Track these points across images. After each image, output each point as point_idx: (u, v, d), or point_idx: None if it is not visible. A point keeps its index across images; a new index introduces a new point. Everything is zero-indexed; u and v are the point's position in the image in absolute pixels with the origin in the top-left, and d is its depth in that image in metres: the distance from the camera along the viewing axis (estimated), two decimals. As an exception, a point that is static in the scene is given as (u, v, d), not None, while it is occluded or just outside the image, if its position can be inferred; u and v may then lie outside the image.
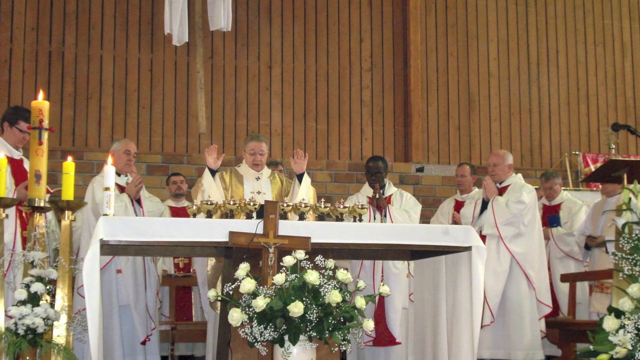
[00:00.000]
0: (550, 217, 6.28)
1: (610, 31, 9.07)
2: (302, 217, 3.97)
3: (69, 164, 3.72)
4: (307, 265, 3.37)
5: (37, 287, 3.53)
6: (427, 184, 8.21)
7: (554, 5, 8.91)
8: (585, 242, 5.81)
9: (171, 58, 7.83)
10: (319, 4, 8.26)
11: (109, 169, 3.70)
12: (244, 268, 3.39)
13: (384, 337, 5.10)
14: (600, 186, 6.71)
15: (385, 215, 5.14)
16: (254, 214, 3.87)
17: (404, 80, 8.32)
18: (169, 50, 7.76)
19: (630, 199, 3.65)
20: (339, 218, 4.01)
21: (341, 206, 4.02)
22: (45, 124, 3.72)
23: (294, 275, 3.35)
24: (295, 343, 3.25)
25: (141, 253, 4.54)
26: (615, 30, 9.10)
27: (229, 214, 3.86)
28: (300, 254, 3.42)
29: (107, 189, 3.63)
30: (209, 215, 3.87)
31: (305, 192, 4.74)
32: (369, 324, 3.40)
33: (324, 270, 3.38)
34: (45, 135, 3.71)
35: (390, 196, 5.42)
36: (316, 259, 3.41)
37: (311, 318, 3.23)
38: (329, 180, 7.98)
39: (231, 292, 3.39)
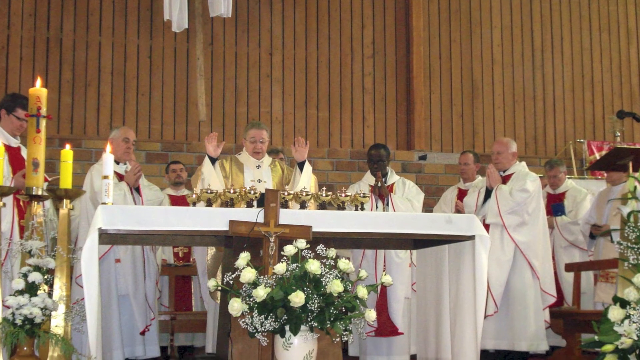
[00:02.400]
0: (555, 205, 6.24)
1: (615, 17, 8.99)
2: (303, 205, 3.94)
3: (67, 152, 3.68)
4: (309, 255, 3.35)
5: (35, 276, 3.49)
6: (430, 172, 8.16)
7: (559, -9, 8.84)
8: (590, 231, 5.76)
9: (170, 45, 7.76)
10: (320, -10, 8.19)
11: (108, 157, 3.66)
12: (244, 257, 3.36)
13: (386, 327, 5.08)
14: (605, 174, 6.65)
15: (387, 204, 5.10)
16: (255, 203, 3.83)
17: (407, 67, 8.26)
18: (169, 36, 7.70)
19: (635, 187, 3.63)
20: (341, 207, 3.98)
21: (343, 195, 3.98)
22: (43, 111, 3.67)
23: (295, 264, 3.32)
24: (296, 333, 3.23)
25: (140, 242, 4.52)
26: (621, 17, 9.02)
27: (229, 203, 3.83)
28: (302, 243, 3.39)
29: (105, 177, 3.61)
30: (209, 203, 3.84)
31: (306, 180, 4.70)
32: (371, 314, 3.38)
33: (325, 260, 3.35)
34: (43, 123, 3.67)
35: (392, 184, 5.38)
36: (317, 248, 3.38)
37: (312, 308, 3.20)
38: (330, 169, 7.93)
39: (231, 282, 3.36)
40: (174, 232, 3.63)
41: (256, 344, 3.42)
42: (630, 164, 4.62)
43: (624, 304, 3.29)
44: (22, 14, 7.44)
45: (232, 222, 3.51)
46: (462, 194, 5.94)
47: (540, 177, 5.73)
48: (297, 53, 8.07)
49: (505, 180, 5.43)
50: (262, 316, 3.21)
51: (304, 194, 3.94)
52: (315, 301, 3.20)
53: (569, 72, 8.77)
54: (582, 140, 8.56)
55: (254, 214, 3.55)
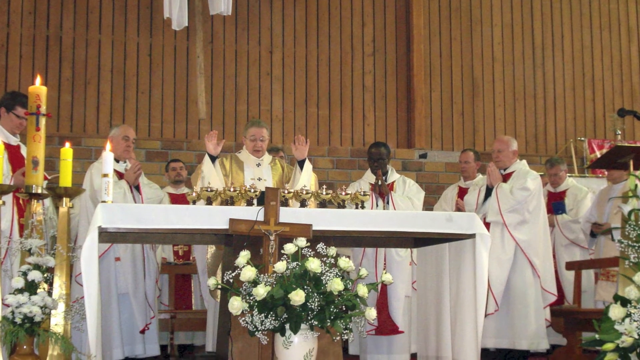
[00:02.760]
0: (555, 204, 6.23)
1: (615, 15, 8.98)
2: (303, 204, 3.93)
3: (67, 150, 3.67)
4: (309, 253, 3.33)
5: (35, 275, 3.48)
6: (430, 171, 8.15)
7: (559, -11, 8.82)
8: (590, 229, 5.75)
9: (170, 42, 7.74)
10: (320, -12, 8.18)
11: (108, 155, 3.65)
12: (244, 256, 3.35)
13: (386, 325, 5.07)
14: (606, 173, 6.64)
15: (387, 202, 5.09)
16: (255, 201, 3.82)
17: (407, 65, 8.24)
18: (169, 34, 7.68)
19: (636, 185, 3.63)
20: (341, 205, 3.97)
21: (343, 193, 3.97)
22: (43, 109, 3.66)
23: (295, 263, 3.31)
24: (297, 332, 3.22)
25: (140, 240, 4.51)
26: (621, 15, 9.00)
27: (229, 201, 3.82)
28: (302, 242, 3.38)
29: (105, 175, 3.60)
30: (209, 202, 3.83)
31: (306, 178, 4.69)
32: (371, 313, 3.36)
33: (325, 258, 3.35)
34: (43, 121, 3.66)
35: (392, 183, 5.36)
36: (318, 246, 3.37)
37: (312, 307, 3.19)
38: (330, 167, 7.92)
39: (231, 280, 3.35)
40: (173, 231, 3.62)
41: (256, 343, 3.42)
42: (631, 162, 4.60)
43: (624, 302, 3.29)
44: (21, 12, 7.42)
45: (232, 221, 3.51)
46: (462, 192, 5.93)
47: (540, 175, 5.72)
48: (297, 51, 8.06)
49: (505, 178, 5.42)
50: (262, 315, 3.20)
51: (304, 192, 3.93)
52: (316, 300, 3.19)
53: (569, 70, 8.76)
54: (582, 139, 8.55)
55: (254, 212, 3.54)
